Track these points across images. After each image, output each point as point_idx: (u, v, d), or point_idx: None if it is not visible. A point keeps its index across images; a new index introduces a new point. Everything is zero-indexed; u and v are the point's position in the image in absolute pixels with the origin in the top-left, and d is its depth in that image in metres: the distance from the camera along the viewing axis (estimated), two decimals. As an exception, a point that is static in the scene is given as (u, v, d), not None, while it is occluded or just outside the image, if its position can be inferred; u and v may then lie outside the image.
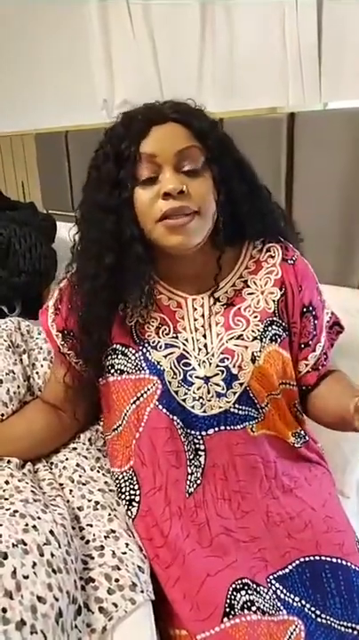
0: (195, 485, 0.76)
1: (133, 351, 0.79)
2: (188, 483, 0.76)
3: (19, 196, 2.50)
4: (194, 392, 0.77)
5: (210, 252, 0.79)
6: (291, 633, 0.67)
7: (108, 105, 1.95)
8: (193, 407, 0.77)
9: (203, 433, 0.76)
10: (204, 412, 0.77)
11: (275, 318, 0.80)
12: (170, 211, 0.71)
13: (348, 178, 1.18)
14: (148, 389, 0.78)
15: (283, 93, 1.43)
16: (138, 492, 0.79)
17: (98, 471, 0.85)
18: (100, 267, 0.75)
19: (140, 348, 0.79)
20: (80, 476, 0.84)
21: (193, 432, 0.77)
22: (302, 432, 0.85)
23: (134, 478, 0.80)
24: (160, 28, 1.71)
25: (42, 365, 0.97)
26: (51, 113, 2.17)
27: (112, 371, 0.81)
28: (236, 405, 0.77)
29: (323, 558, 0.75)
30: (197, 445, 0.77)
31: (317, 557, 0.75)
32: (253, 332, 0.79)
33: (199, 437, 0.77)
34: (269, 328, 0.79)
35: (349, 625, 0.69)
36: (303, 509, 0.78)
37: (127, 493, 0.80)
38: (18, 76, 2.40)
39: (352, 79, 1.29)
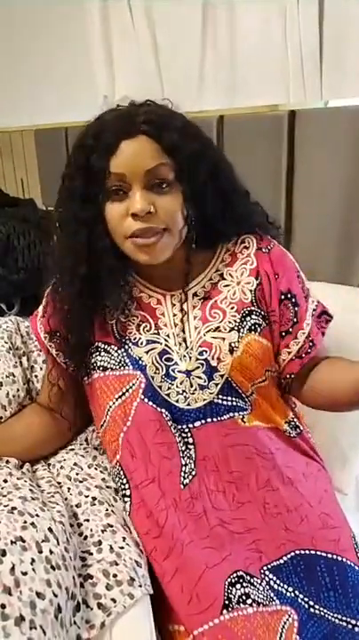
0: (190, 477, 0.76)
1: (115, 348, 0.81)
2: (183, 474, 0.76)
3: (18, 193, 2.50)
4: (177, 386, 0.78)
5: (183, 254, 0.80)
6: (285, 622, 0.67)
7: (109, 101, 1.94)
8: (177, 401, 0.78)
9: (190, 425, 0.77)
10: (189, 404, 0.78)
11: (253, 308, 0.81)
12: (138, 231, 0.73)
13: (349, 176, 1.18)
14: (133, 384, 0.79)
15: (284, 91, 1.42)
16: (127, 486, 0.79)
17: (95, 468, 0.86)
18: (75, 276, 0.77)
19: (122, 344, 0.81)
20: (77, 474, 0.84)
21: (180, 426, 0.78)
22: (294, 421, 0.85)
23: (121, 472, 0.80)
24: (161, 25, 1.70)
25: (41, 368, 0.98)
26: (51, 109, 2.16)
27: (96, 368, 0.82)
28: (220, 396, 0.78)
29: (318, 553, 0.75)
30: (186, 439, 0.77)
31: (313, 552, 0.75)
32: (230, 322, 0.80)
33: (187, 430, 0.77)
34: (247, 318, 0.80)
35: (343, 618, 0.70)
36: (301, 504, 0.79)
37: (120, 488, 0.81)
38: (18, 71, 2.39)
39: (353, 77, 1.29)
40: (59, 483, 0.83)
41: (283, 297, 0.81)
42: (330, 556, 0.75)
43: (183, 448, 0.77)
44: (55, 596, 0.62)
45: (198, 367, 0.79)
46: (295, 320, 0.82)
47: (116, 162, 0.72)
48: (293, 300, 0.82)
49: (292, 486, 0.79)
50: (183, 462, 0.77)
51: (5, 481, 0.78)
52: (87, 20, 1.89)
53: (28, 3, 2.18)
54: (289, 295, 0.82)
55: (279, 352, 0.83)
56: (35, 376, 0.97)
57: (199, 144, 0.78)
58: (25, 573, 0.62)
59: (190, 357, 0.79)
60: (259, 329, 0.80)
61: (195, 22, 1.58)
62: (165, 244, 0.75)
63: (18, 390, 0.92)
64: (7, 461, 0.84)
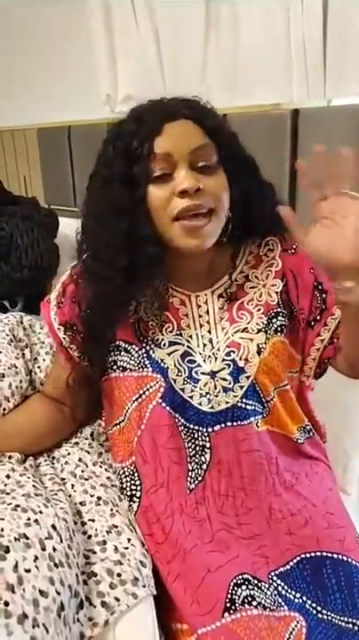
0: (195, 482, 0.76)
1: (136, 348, 0.79)
2: (189, 479, 0.76)
3: (21, 191, 2.50)
4: (200, 388, 0.77)
5: (215, 250, 0.78)
6: (293, 629, 0.67)
7: (111, 100, 1.94)
8: (200, 404, 0.77)
9: (209, 429, 0.76)
10: (212, 407, 0.77)
11: (279, 309, 0.80)
12: (186, 209, 0.70)
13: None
14: (151, 387, 0.78)
15: (287, 89, 1.42)
16: (139, 488, 0.79)
17: (100, 466, 0.85)
18: (114, 269, 0.73)
19: (144, 345, 0.79)
20: (82, 471, 0.84)
21: (200, 429, 0.76)
22: (308, 426, 0.85)
23: (135, 474, 0.80)
24: (164, 23, 1.70)
25: (44, 360, 0.97)
26: (54, 108, 2.16)
27: (114, 367, 0.81)
28: (244, 400, 0.77)
29: (323, 554, 0.75)
30: (203, 442, 0.76)
31: (318, 553, 0.75)
32: (257, 324, 0.79)
33: (206, 434, 0.76)
34: (274, 320, 0.80)
35: (349, 620, 0.69)
36: (303, 506, 0.79)
37: (128, 489, 0.80)
38: (21, 70, 2.39)
39: (356, 76, 1.28)
40: (62, 479, 0.83)
41: (316, 284, 0.80)
42: (336, 556, 0.75)
43: (192, 453, 0.76)
44: (58, 593, 0.62)
45: (224, 368, 0.78)
46: (324, 307, 0.80)
47: (162, 142, 0.71)
48: (320, 287, 0.80)
49: (293, 489, 0.79)
50: (190, 467, 0.76)
51: (8, 477, 0.78)
52: (90, 19, 1.89)
53: (30, 2, 2.18)
54: (317, 285, 0.80)
55: (312, 343, 0.81)
56: (39, 367, 0.96)
57: (233, 133, 0.78)
58: (28, 571, 0.61)
59: (216, 358, 0.78)
60: (284, 330, 0.80)
61: (198, 21, 1.58)
62: (212, 228, 0.73)
63: (21, 381, 0.92)
64: (10, 456, 0.84)
